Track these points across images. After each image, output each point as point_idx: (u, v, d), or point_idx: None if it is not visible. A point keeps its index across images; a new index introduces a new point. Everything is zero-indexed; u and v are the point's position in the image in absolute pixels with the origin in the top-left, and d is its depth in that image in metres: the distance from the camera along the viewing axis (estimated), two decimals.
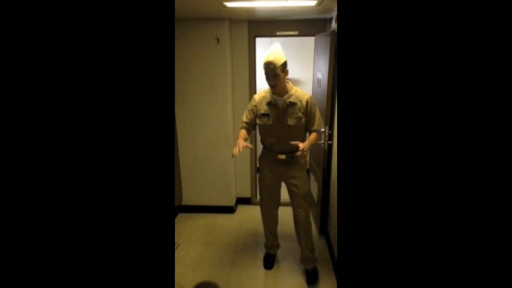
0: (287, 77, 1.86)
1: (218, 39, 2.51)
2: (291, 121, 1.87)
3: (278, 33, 2.69)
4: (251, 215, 2.96)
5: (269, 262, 2.22)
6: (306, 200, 2.05)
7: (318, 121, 1.92)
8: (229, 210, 2.98)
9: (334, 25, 2.21)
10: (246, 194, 3.12)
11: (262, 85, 3.64)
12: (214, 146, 2.80)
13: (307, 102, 1.87)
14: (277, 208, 2.18)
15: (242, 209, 3.07)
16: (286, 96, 1.87)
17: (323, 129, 1.95)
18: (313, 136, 1.91)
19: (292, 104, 1.86)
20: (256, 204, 3.14)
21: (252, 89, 2.83)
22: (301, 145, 1.75)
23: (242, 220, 2.87)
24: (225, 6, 1.92)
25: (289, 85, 1.90)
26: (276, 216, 2.21)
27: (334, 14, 2.20)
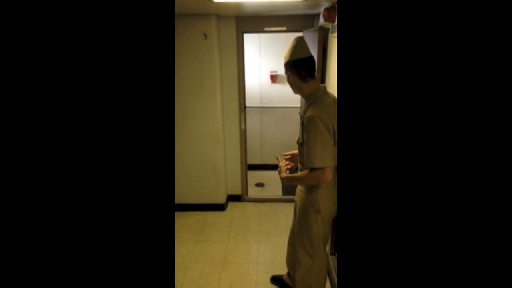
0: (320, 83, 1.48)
1: (205, 35, 2.48)
2: (297, 137, 1.48)
3: (266, 29, 2.68)
4: (242, 212, 2.96)
5: (276, 280, 2.04)
6: (300, 247, 1.54)
7: (308, 156, 1.32)
8: (220, 207, 2.97)
9: (321, 20, 2.21)
10: (237, 191, 3.12)
11: (252, 81, 3.64)
12: (203, 143, 2.78)
13: (302, 122, 1.36)
14: (294, 243, 1.68)
15: (233, 206, 3.06)
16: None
17: (320, 167, 1.30)
18: (302, 173, 1.41)
19: (300, 116, 1.45)
20: (247, 201, 3.15)
21: (241, 85, 2.82)
22: (282, 164, 1.52)
23: (233, 217, 2.87)
24: (212, 2, 1.90)
25: (314, 88, 1.41)
26: (289, 251, 1.83)
27: (322, 9, 2.20)
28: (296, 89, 1.46)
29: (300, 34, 2.70)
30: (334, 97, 1.47)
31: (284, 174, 1.52)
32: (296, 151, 1.62)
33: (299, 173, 1.46)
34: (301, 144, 1.42)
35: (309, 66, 1.40)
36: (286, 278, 2.01)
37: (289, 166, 1.60)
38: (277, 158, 1.64)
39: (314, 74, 1.42)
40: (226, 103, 2.84)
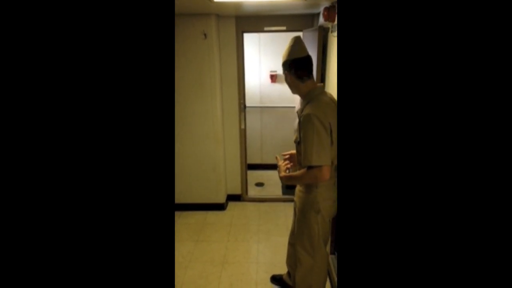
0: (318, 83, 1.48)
1: (205, 35, 2.48)
2: (294, 136, 1.47)
3: (266, 28, 2.68)
4: (242, 211, 2.96)
5: (275, 280, 2.06)
6: (301, 247, 1.55)
7: (305, 154, 1.30)
8: (220, 207, 2.97)
9: (321, 20, 2.20)
10: (237, 190, 3.12)
11: (251, 81, 3.64)
12: (203, 143, 2.78)
13: (299, 120, 1.36)
14: (294, 243, 1.67)
15: (233, 206, 3.06)
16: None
17: (317, 165, 1.29)
18: (300, 171, 1.39)
19: (297, 115, 1.45)
20: (246, 200, 3.15)
21: (241, 84, 2.82)
22: (281, 164, 1.54)
23: (233, 217, 2.87)
24: (212, 1, 1.89)
25: (311, 88, 1.41)
26: (289, 250, 1.83)
27: (321, 9, 2.20)
28: (293, 88, 1.46)
29: (300, 33, 2.71)
30: (332, 96, 1.48)
31: (283, 173, 1.53)
32: (294, 151, 1.62)
33: (297, 172, 1.45)
34: (298, 143, 1.41)
35: (306, 65, 1.40)
36: (286, 278, 2.01)
37: (288, 166, 1.60)
38: (276, 157, 1.65)
39: (311, 73, 1.43)
40: (226, 102, 2.84)
